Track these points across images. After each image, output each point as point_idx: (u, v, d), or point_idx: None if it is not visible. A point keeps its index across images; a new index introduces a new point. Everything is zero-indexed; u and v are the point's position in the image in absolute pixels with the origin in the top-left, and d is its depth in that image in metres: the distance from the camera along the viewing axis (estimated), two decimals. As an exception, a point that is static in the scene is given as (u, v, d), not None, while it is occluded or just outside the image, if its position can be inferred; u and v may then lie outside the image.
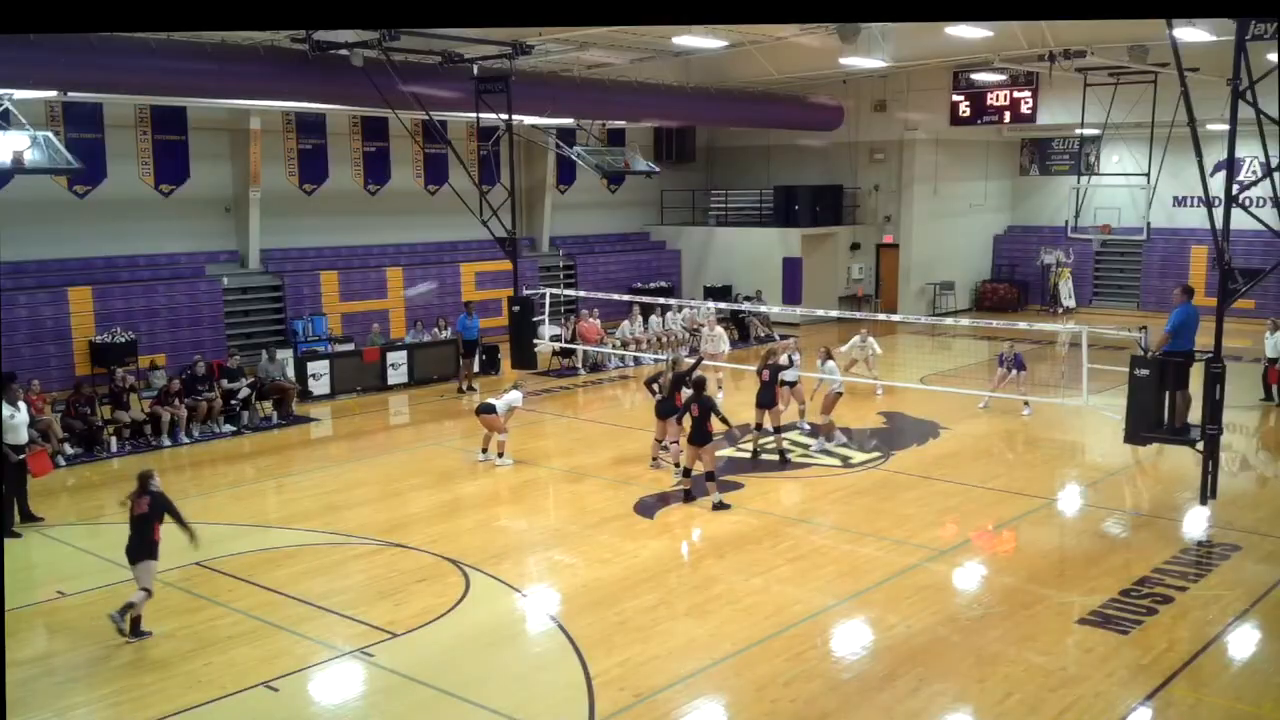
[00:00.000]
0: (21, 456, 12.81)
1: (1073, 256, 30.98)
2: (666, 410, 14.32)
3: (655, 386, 14.87)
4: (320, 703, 8.51)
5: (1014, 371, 17.66)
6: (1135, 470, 14.54)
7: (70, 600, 10.41)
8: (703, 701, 8.23)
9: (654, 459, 14.76)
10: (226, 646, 9.24)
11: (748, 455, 15.30)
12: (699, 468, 13.10)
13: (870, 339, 19.18)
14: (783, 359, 15.73)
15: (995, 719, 7.91)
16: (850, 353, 19.17)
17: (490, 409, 14.99)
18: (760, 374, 15.19)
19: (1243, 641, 9.33)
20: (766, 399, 15.00)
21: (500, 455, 15.09)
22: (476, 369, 21.37)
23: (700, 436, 12.91)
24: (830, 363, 16.05)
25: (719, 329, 20.39)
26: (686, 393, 13.53)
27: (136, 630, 9.40)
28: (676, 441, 14.09)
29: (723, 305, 23.52)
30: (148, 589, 9.46)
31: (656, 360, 19.41)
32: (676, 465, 13.89)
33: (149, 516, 9.42)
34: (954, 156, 30.21)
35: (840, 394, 15.96)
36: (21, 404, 13.07)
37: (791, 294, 28.22)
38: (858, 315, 23.54)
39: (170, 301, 20.91)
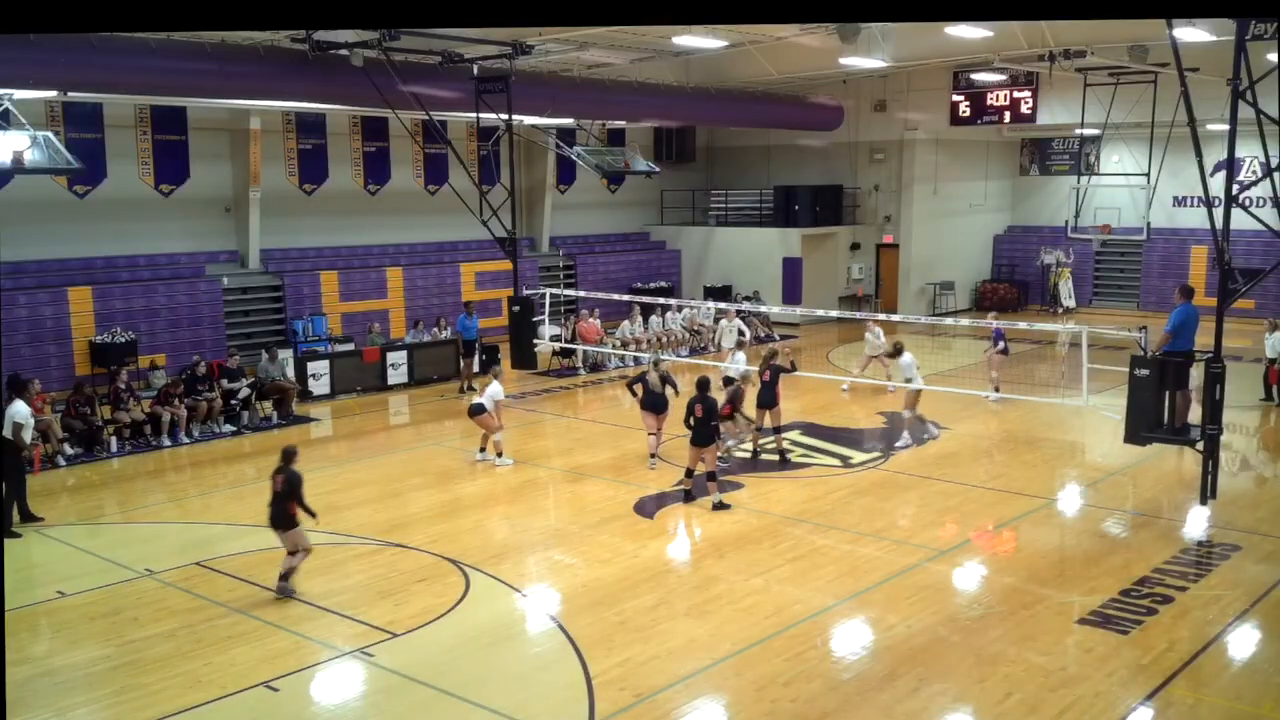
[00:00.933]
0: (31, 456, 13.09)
1: (1073, 256, 30.98)
2: (658, 404, 14.79)
3: (635, 389, 15.19)
4: (320, 703, 8.52)
5: (999, 343, 17.98)
6: (1136, 470, 14.53)
7: (70, 600, 10.41)
8: (703, 701, 8.23)
9: (652, 455, 14.91)
10: (226, 646, 9.24)
11: (748, 455, 15.31)
12: (700, 468, 13.10)
13: (877, 329, 19.37)
14: (783, 361, 15.77)
15: (995, 719, 7.91)
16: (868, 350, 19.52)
17: (482, 409, 15.01)
18: (761, 374, 15.20)
19: (1243, 641, 9.33)
20: (767, 399, 15.01)
21: (499, 455, 15.10)
22: (477, 369, 21.38)
23: (703, 437, 12.92)
24: (907, 355, 16.28)
25: (737, 320, 21.06)
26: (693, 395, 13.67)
27: (286, 582, 10.13)
28: (656, 433, 14.90)
29: (723, 305, 23.54)
30: (306, 549, 10.27)
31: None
32: (653, 456, 14.81)
33: (283, 495, 10.11)
34: (954, 156, 30.21)
35: (920, 391, 16.29)
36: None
37: (791, 294, 28.22)
38: (858, 315, 23.57)
39: (170, 301, 20.91)
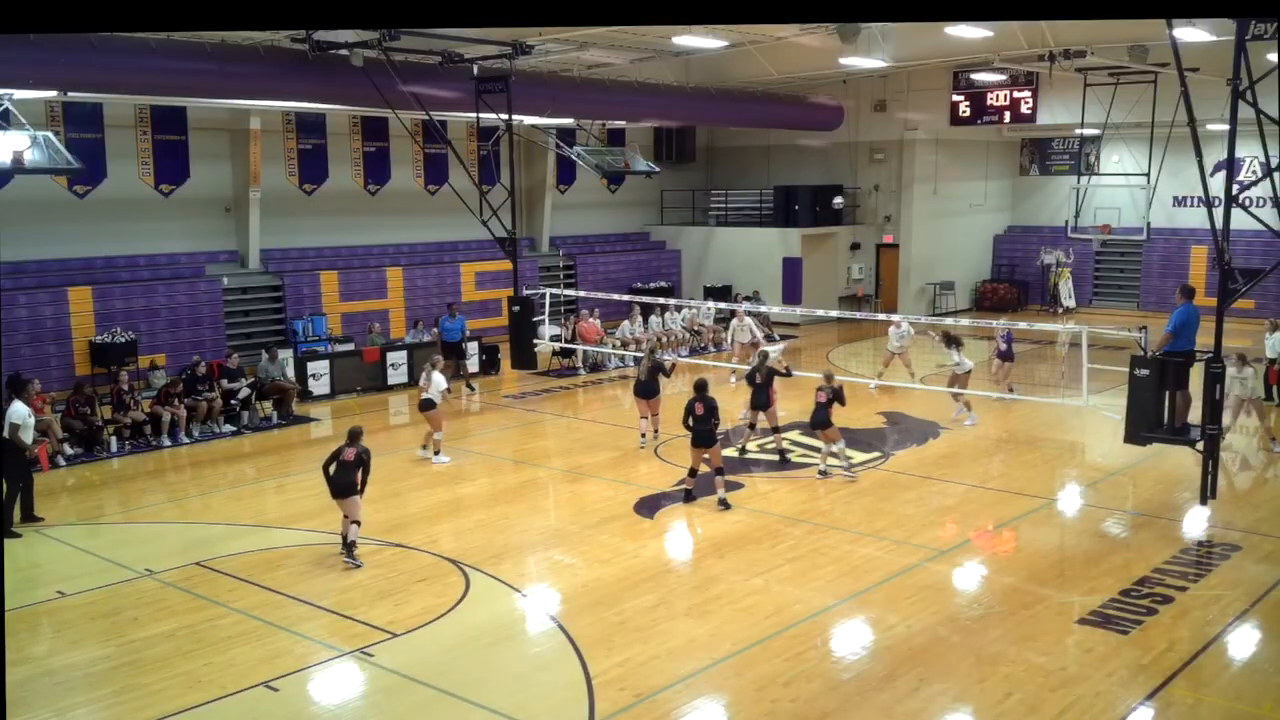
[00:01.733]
0: (35, 455, 13.10)
1: (1073, 256, 30.99)
2: (646, 390, 15.73)
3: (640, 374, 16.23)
4: (320, 703, 8.51)
5: (1002, 349, 17.98)
6: (1136, 470, 14.53)
7: (70, 600, 10.41)
8: (703, 701, 8.23)
9: (643, 435, 15.96)
10: (226, 646, 9.24)
11: (736, 454, 15.25)
12: (704, 468, 13.08)
13: (905, 325, 19.38)
14: (779, 364, 15.88)
15: (995, 719, 7.91)
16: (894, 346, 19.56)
17: (432, 404, 15.02)
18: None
19: (1243, 641, 9.33)
20: (761, 400, 15.04)
21: (436, 452, 15.24)
22: (475, 369, 21.44)
23: (704, 438, 12.86)
24: (954, 350, 16.81)
25: (748, 320, 21.31)
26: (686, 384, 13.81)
27: (351, 552, 11.04)
28: (652, 415, 15.89)
29: (723, 305, 23.56)
30: (357, 520, 11.14)
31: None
32: (643, 435, 15.85)
33: (353, 464, 11.16)
34: (954, 156, 30.21)
35: (969, 371, 17.05)
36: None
37: (791, 294, 28.23)
38: (857, 315, 23.58)
39: (170, 301, 20.90)
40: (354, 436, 11.39)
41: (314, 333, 22.25)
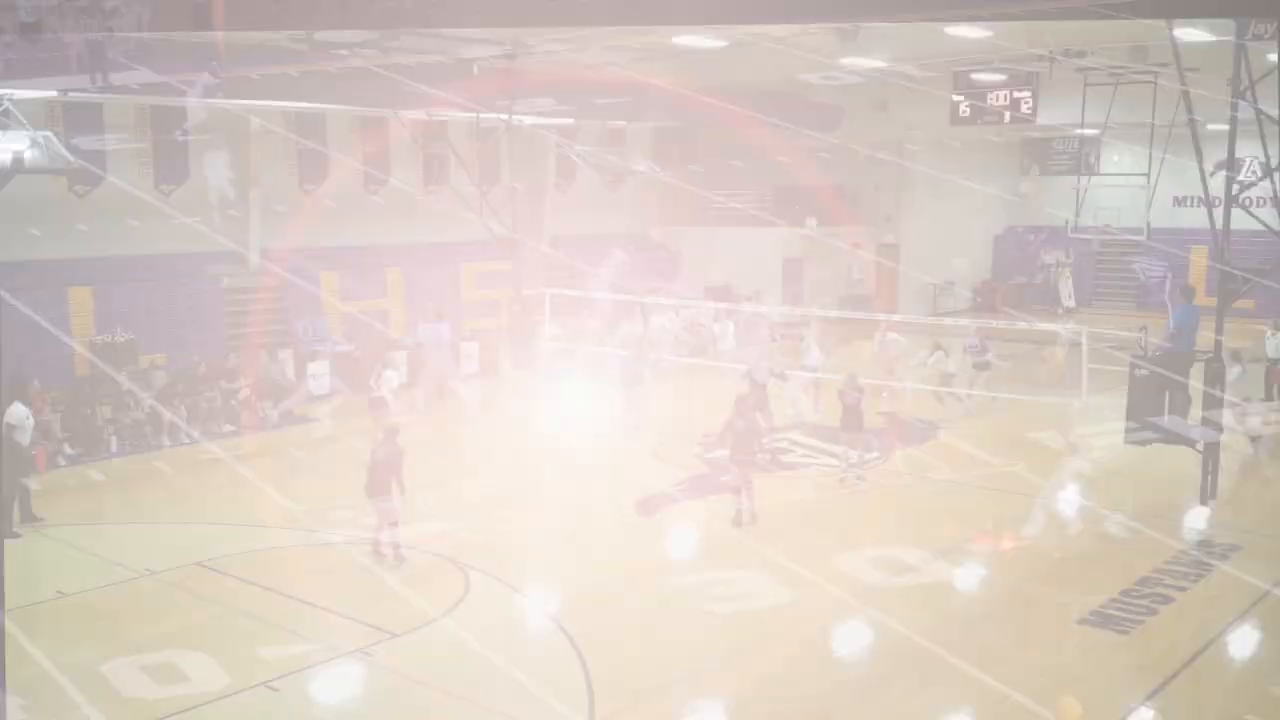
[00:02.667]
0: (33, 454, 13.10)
1: (1073, 256, 30.95)
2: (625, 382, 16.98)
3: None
4: (320, 703, 8.51)
5: (977, 368, 17.93)
6: (1136, 470, 14.51)
7: (70, 600, 10.41)
8: (703, 701, 8.23)
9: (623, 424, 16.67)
10: (227, 646, 9.24)
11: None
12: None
13: (891, 335, 19.33)
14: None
15: (995, 719, 7.90)
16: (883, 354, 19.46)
17: (384, 403, 14.89)
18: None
19: (1242, 641, 9.33)
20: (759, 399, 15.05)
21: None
22: (472, 370, 21.45)
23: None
24: (939, 353, 17.57)
25: (730, 322, 22.09)
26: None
27: (397, 551, 11.25)
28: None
29: (724, 305, 23.59)
30: (394, 522, 11.26)
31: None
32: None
33: (386, 465, 11.22)
34: (954, 156, 30.14)
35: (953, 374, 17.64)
36: (22, 405, 13.26)
37: (792, 294, 28.19)
38: (857, 315, 23.56)
39: (170, 301, 20.87)
40: (391, 434, 11.54)
41: (314, 333, 22.22)
